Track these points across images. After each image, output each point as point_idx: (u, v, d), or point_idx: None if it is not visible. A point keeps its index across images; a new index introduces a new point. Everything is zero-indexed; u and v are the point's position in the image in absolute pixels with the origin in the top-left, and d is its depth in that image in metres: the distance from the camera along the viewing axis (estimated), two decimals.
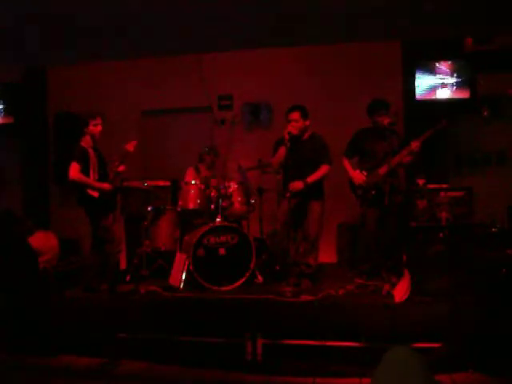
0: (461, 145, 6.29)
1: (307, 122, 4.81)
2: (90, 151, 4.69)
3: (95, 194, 4.63)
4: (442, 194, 5.14)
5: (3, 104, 7.27)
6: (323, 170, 4.78)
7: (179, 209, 5.30)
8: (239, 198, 5.14)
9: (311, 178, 4.72)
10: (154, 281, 5.01)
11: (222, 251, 4.80)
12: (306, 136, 4.86)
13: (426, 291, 4.04)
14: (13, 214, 5.74)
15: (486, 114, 6.23)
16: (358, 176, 4.86)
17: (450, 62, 6.16)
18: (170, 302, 4.40)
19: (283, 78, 6.66)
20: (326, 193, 4.91)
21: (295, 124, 4.71)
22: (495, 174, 6.16)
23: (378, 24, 5.90)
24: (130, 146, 4.80)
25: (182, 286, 4.66)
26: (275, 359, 3.90)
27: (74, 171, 4.54)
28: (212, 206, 5.11)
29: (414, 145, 4.62)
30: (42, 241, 5.35)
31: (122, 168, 4.83)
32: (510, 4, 5.19)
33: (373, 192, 4.79)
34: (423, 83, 6.20)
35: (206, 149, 5.99)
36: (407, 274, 4.21)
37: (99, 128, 4.76)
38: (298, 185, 4.68)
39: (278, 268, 5.19)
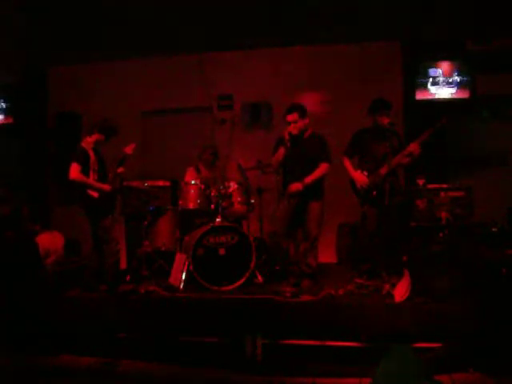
0: (461, 145, 6.28)
1: (306, 121, 4.79)
2: (91, 152, 4.70)
3: (95, 194, 4.65)
4: (442, 193, 5.13)
5: (3, 104, 7.28)
6: (322, 168, 4.76)
7: (179, 209, 5.30)
8: (239, 198, 5.14)
9: (309, 178, 4.70)
10: (154, 281, 5.01)
11: (221, 251, 4.79)
12: (305, 135, 4.85)
13: (426, 291, 4.04)
14: (21, 214, 5.77)
15: (486, 114, 6.23)
16: (360, 177, 4.85)
17: (449, 62, 6.17)
18: (169, 302, 4.39)
19: (283, 77, 6.66)
20: (326, 193, 4.90)
21: (294, 125, 4.70)
22: (495, 174, 6.16)
23: (378, 24, 5.91)
24: (129, 149, 4.86)
25: (182, 285, 4.65)
26: (275, 359, 3.90)
27: (75, 171, 4.56)
28: (212, 206, 5.11)
29: (413, 147, 4.61)
30: (49, 242, 5.35)
31: (120, 170, 4.88)
32: (509, 4, 5.21)
33: (374, 192, 4.79)
34: (423, 83, 6.21)
35: (203, 147, 5.98)
36: (407, 274, 4.20)
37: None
38: (296, 186, 4.68)
39: (277, 268, 5.20)
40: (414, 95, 6.24)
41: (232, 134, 6.90)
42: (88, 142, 4.73)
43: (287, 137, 4.62)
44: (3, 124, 7.28)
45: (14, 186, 7.10)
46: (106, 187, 4.72)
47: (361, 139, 4.98)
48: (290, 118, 4.72)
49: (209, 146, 6.05)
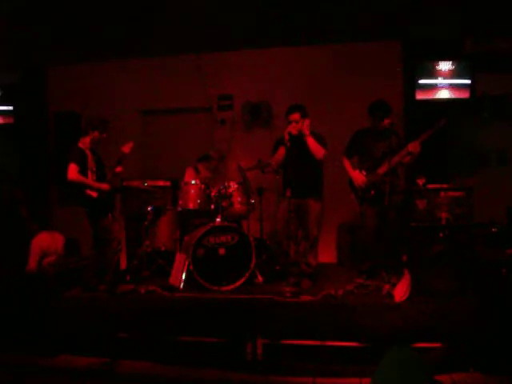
0: (461, 145, 6.28)
1: (307, 122, 4.79)
2: (88, 152, 4.71)
3: (94, 194, 4.65)
4: (442, 193, 5.13)
5: (3, 104, 7.28)
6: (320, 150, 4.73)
7: (179, 209, 5.30)
8: (239, 198, 5.14)
9: (312, 140, 4.67)
10: (154, 281, 5.01)
11: (221, 251, 4.79)
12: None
13: (426, 291, 4.04)
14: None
15: (486, 114, 6.23)
16: (359, 177, 4.86)
17: (450, 62, 6.17)
18: (169, 302, 4.39)
19: (283, 77, 6.66)
20: (325, 193, 4.91)
21: (295, 125, 4.70)
22: (495, 174, 6.16)
23: (378, 24, 5.91)
24: (126, 148, 4.85)
25: (182, 285, 4.65)
26: (275, 359, 3.90)
27: (73, 172, 4.56)
28: (212, 206, 5.11)
29: (411, 146, 4.61)
30: (49, 242, 5.36)
31: (119, 169, 4.88)
32: (509, 5, 5.21)
33: (372, 192, 4.79)
34: (423, 83, 6.21)
35: (221, 155, 5.98)
36: (407, 274, 4.21)
37: (104, 136, 4.80)
38: (294, 127, 4.60)
39: (278, 268, 5.20)
40: (414, 95, 6.23)
41: (232, 134, 6.91)
42: (84, 142, 4.74)
43: (287, 137, 4.62)
44: (3, 124, 7.28)
45: (14, 186, 7.12)
46: (105, 186, 4.72)
47: (360, 139, 4.98)
48: (291, 117, 4.71)
49: (221, 154, 6.05)
